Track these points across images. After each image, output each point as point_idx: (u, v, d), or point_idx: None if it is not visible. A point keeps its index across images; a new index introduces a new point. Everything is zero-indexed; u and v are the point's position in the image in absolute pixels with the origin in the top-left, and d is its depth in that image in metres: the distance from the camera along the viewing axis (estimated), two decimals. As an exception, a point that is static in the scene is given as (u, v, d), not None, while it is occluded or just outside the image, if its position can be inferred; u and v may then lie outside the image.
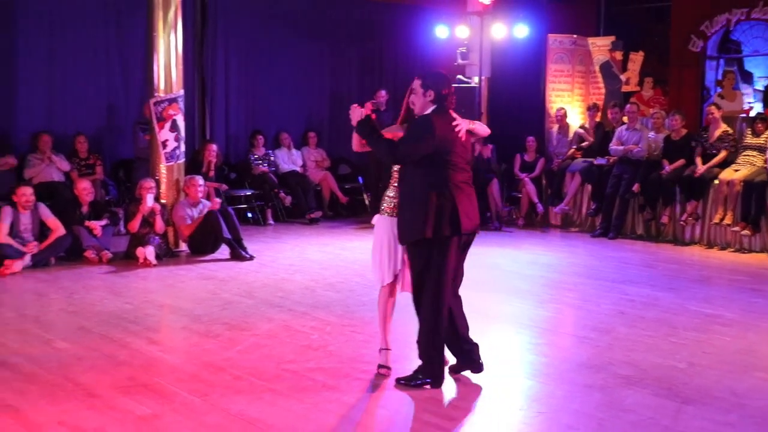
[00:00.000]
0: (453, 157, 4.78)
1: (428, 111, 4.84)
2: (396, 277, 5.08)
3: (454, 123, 4.86)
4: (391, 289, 5.12)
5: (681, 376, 5.17)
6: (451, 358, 5.12)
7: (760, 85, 14.21)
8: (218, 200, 9.46)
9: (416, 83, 4.90)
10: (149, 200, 8.91)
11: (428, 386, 4.87)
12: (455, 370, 5.09)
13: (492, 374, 5.18)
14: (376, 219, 5.18)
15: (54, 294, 7.33)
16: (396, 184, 5.03)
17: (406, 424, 4.39)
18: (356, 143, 5.10)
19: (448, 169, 4.76)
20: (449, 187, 4.75)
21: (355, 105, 4.92)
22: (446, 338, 4.95)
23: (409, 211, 4.81)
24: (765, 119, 10.30)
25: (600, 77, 13.02)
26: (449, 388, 4.98)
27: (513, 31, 12.52)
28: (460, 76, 12.31)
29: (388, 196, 5.08)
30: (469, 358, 5.07)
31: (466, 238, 4.92)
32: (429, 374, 4.89)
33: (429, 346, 4.89)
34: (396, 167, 5.02)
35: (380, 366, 5.14)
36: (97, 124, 11.28)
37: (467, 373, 5.15)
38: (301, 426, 4.29)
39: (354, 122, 4.89)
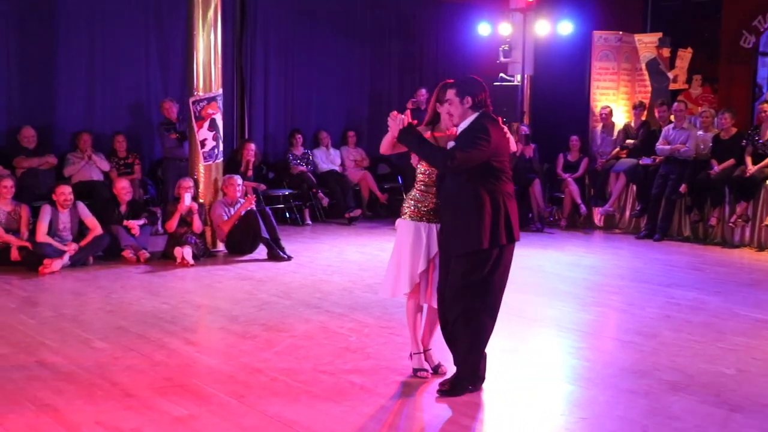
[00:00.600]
0: (503, 166, 4.77)
1: (471, 118, 4.78)
2: (416, 286, 5.01)
3: (504, 130, 4.86)
4: (419, 301, 5.09)
5: (729, 383, 5.09)
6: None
7: (814, 83, 13.95)
8: (252, 197, 9.51)
9: (450, 93, 4.82)
10: (187, 199, 9.00)
11: (470, 390, 4.85)
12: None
13: (532, 378, 5.15)
14: (399, 223, 5.09)
15: (92, 293, 7.43)
16: (421, 187, 5.01)
17: (444, 428, 4.38)
18: (386, 146, 5.06)
19: (500, 177, 4.74)
20: (502, 195, 4.73)
21: (395, 112, 4.86)
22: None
23: (461, 221, 4.72)
24: (819, 118, 10.13)
25: (646, 75, 12.89)
26: (488, 392, 4.96)
27: (557, 28, 12.45)
28: (502, 75, 12.28)
29: (413, 199, 5.04)
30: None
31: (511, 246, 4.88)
32: (471, 380, 4.87)
33: (475, 354, 4.85)
34: (422, 170, 5.01)
35: (417, 370, 5.13)
36: (136, 123, 11.39)
37: (508, 378, 5.14)
38: (338, 429, 4.29)
39: (395, 132, 4.82)
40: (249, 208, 9.22)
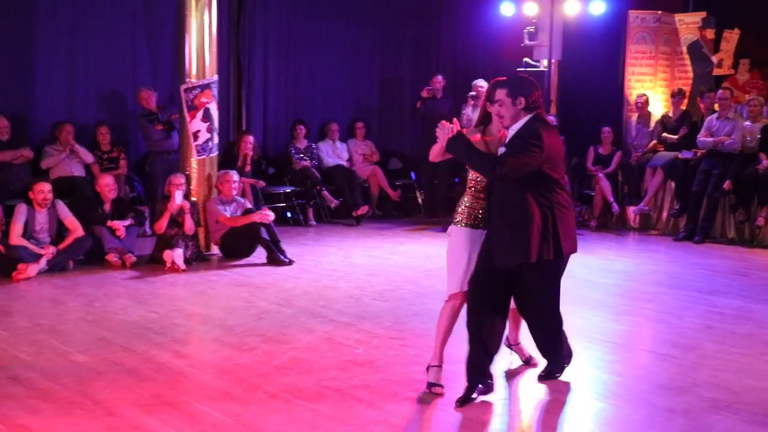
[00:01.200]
0: (557, 174, 4.88)
1: (523, 120, 4.87)
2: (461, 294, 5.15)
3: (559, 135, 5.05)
4: (460, 303, 5.18)
5: (777, 401, 5.08)
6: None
7: None
8: (270, 214, 9.32)
9: (501, 93, 4.91)
10: (178, 198, 9.02)
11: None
12: (464, 398, 4.97)
13: (559, 394, 5.16)
14: (452, 230, 5.23)
15: (72, 301, 7.45)
16: (473, 193, 5.14)
17: (460, 450, 4.39)
18: (436, 154, 5.19)
19: (552, 187, 4.85)
20: (552, 206, 4.84)
21: (443, 122, 4.98)
22: (474, 357, 5.01)
23: (508, 232, 4.87)
24: None
25: (687, 59, 12.86)
26: (511, 408, 4.97)
27: (588, 8, 12.45)
28: (527, 60, 12.28)
29: (466, 206, 5.17)
30: (487, 384, 5.08)
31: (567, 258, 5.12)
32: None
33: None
34: (473, 175, 5.13)
35: (432, 384, 5.15)
36: (122, 113, 11.37)
37: (533, 394, 5.16)
38: (342, 450, 4.31)
39: (443, 142, 4.94)
40: (259, 221, 9.19)
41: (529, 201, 4.80)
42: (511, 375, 5.53)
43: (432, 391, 5.12)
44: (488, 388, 5.05)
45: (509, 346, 5.71)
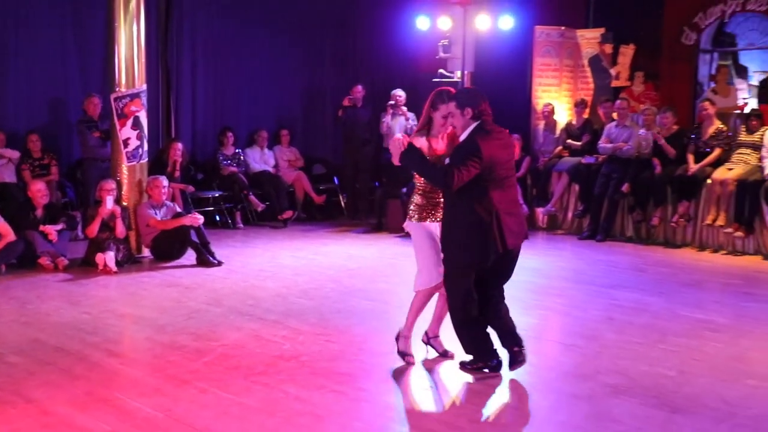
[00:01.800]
0: (499, 176, 5.06)
1: (470, 129, 5.09)
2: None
3: (502, 138, 5.16)
4: (432, 292, 5.50)
5: (671, 385, 5.22)
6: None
7: (755, 80, 14.34)
8: (199, 217, 9.30)
9: (451, 106, 5.18)
10: (109, 203, 8.87)
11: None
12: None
13: (473, 383, 5.22)
14: (409, 226, 5.53)
15: (5, 304, 7.28)
16: (421, 193, 5.40)
17: (381, 438, 4.42)
18: (396, 162, 5.35)
19: (494, 188, 5.05)
20: (494, 207, 5.03)
21: (396, 137, 5.17)
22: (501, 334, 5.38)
23: (456, 233, 5.13)
24: (760, 115, 10.43)
25: (589, 72, 13.11)
26: (426, 396, 5.01)
27: (498, 23, 12.58)
28: (441, 71, 12.36)
29: (417, 204, 5.46)
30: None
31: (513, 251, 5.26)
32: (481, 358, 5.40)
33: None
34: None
35: (404, 354, 5.54)
36: (52, 121, 11.17)
37: (447, 383, 5.23)
38: (270, 441, 4.30)
39: (397, 157, 5.15)
40: (189, 224, 9.10)
41: (472, 206, 5.04)
42: (429, 365, 5.57)
43: (406, 360, 5.49)
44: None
45: (427, 339, 5.76)
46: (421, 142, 5.27)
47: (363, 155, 12.55)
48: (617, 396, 5.01)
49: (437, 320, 5.73)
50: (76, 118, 10.78)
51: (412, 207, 5.51)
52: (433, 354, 5.72)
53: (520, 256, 5.37)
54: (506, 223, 5.04)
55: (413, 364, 5.50)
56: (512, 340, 5.36)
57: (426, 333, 5.76)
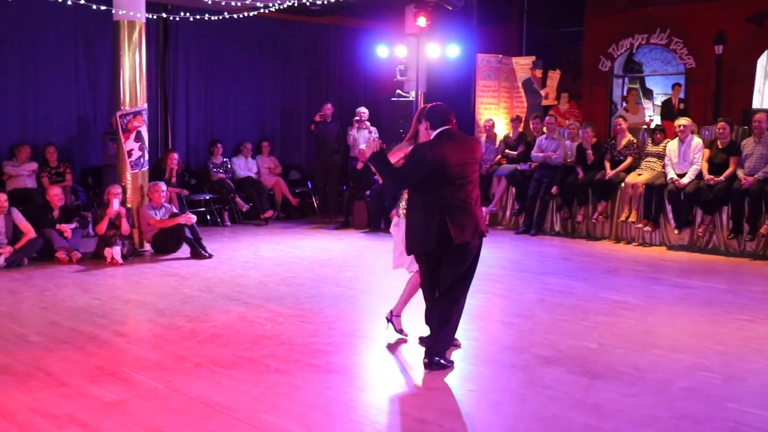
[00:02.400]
0: (452, 175, 4.83)
1: (432, 136, 4.93)
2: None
3: (461, 143, 4.94)
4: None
5: (592, 355, 5.27)
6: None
7: (658, 101, 14.57)
8: (193, 217, 9.20)
9: (421, 119, 5.09)
10: (115, 204, 8.77)
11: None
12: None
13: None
14: (398, 222, 5.49)
15: (27, 292, 7.17)
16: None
17: (348, 404, 4.41)
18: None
19: (442, 188, 4.84)
20: (440, 204, 4.83)
21: (372, 140, 5.02)
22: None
23: (410, 221, 4.99)
24: (663, 130, 10.54)
25: (522, 92, 13.20)
26: (386, 369, 5.02)
27: (446, 51, 12.62)
28: (399, 91, 12.37)
29: (403, 202, 5.46)
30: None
31: (461, 246, 4.90)
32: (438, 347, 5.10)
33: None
34: None
35: (401, 331, 5.58)
36: (67, 134, 11.10)
37: (406, 358, 5.24)
38: (256, 407, 4.27)
39: (368, 154, 4.98)
40: (184, 223, 9.01)
41: (419, 199, 4.90)
42: (390, 343, 5.58)
43: (403, 335, 5.57)
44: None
45: (390, 317, 5.66)
46: (406, 150, 5.12)
47: (332, 163, 12.51)
48: (548, 366, 5.05)
49: (403, 301, 5.60)
50: (97, 131, 10.79)
51: (401, 204, 5.46)
52: (392, 331, 5.65)
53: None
54: (452, 219, 4.82)
55: (406, 339, 5.53)
56: (428, 337, 5.17)
57: (390, 310, 5.68)
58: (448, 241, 4.82)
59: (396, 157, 5.12)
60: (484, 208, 11.90)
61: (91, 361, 5.05)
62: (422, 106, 5.42)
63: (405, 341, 5.56)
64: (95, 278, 7.82)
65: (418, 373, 4.92)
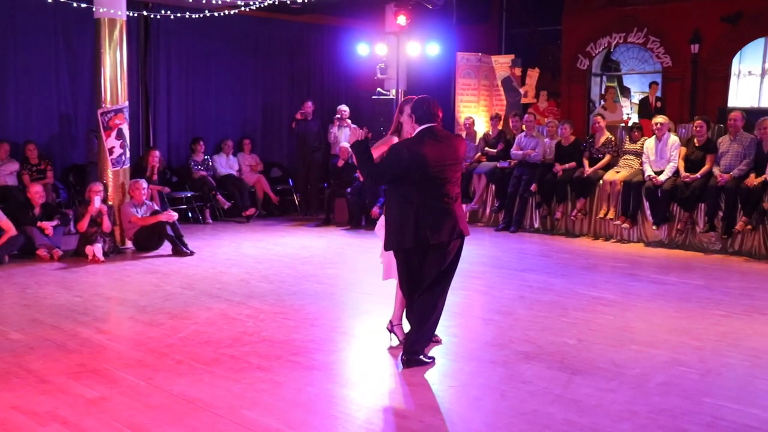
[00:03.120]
0: (430, 173, 4.74)
1: (417, 131, 4.84)
2: None
3: (443, 141, 4.83)
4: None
5: (571, 351, 5.29)
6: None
7: (636, 99, 14.67)
8: (174, 214, 9.12)
9: (406, 110, 4.99)
10: (97, 202, 8.70)
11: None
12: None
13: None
14: (381, 222, 5.28)
15: (8, 289, 7.09)
16: None
17: (329, 400, 4.40)
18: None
19: (419, 187, 4.76)
20: (416, 204, 4.75)
21: (360, 129, 4.99)
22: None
23: (388, 217, 4.92)
24: (640, 128, 10.60)
25: (502, 90, 13.24)
26: (368, 365, 5.02)
27: (426, 49, 12.63)
28: (379, 89, 12.38)
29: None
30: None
31: (438, 246, 4.83)
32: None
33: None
34: None
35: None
36: (48, 132, 11.00)
37: (387, 353, 5.24)
38: (237, 404, 4.26)
39: (352, 140, 4.93)
40: (165, 220, 8.95)
41: (396, 196, 4.83)
42: (378, 341, 5.58)
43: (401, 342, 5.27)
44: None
45: (391, 327, 5.44)
46: (391, 141, 5.08)
47: (313, 160, 12.49)
48: (528, 361, 5.07)
49: (399, 308, 5.38)
50: (79, 129, 10.69)
51: None
52: (396, 341, 5.37)
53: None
54: (428, 219, 4.74)
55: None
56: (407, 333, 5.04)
57: (390, 321, 5.46)
58: (424, 241, 4.76)
59: (379, 150, 5.00)
60: (464, 206, 12.04)
61: (72, 359, 5.01)
62: (407, 97, 5.27)
63: (381, 336, 5.56)
64: (76, 276, 7.75)
65: (400, 369, 4.92)
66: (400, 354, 5.01)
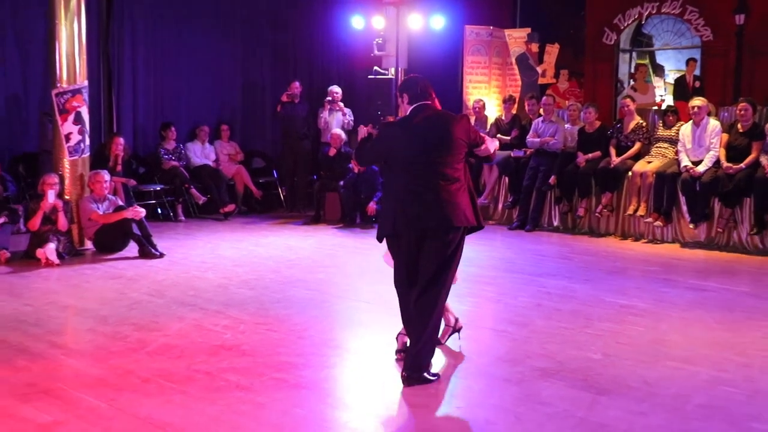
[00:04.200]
0: (406, 160, 4.92)
1: (407, 112, 5.06)
2: None
3: (423, 123, 4.95)
4: None
5: (596, 367, 5.27)
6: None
7: (671, 78, 14.64)
8: (141, 211, 9.14)
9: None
10: (50, 197, 8.66)
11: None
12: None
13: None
14: None
15: (-52, 297, 7.07)
16: None
17: (320, 424, 4.37)
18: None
19: (401, 171, 4.96)
20: (398, 188, 4.95)
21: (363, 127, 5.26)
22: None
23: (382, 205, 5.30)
24: (676, 112, 10.61)
25: (516, 69, 13.23)
26: (362, 382, 4.99)
27: (430, 22, 12.61)
28: (376, 68, 12.36)
29: None
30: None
31: (434, 235, 4.92)
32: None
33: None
34: None
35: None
36: (-9, 116, 10.93)
37: (385, 369, 5.21)
38: (213, 429, 4.23)
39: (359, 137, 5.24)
40: (131, 217, 8.95)
41: (386, 182, 5.16)
42: (364, 354, 5.55)
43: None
44: None
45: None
46: None
47: (301, 149, 12.48)
48: (546, 379, 5.05)
49: None
50: (30, 112, 10.59)
51: None
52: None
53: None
54: (406, 205, 4.89)
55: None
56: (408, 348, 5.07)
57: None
58: (406, 227, 4.90)
59: None
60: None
61: (21, 377, 4.96)
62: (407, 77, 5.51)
63: (381, 351, 5.53)
64: (27, 281, 7.71)
65: (400, 388, 4.89)
66: (401, 371, 4.99)
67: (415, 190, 4.89)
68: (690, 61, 13.48)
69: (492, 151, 5.21)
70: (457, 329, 5.74)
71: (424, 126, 4.92)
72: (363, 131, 5.18)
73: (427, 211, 4.87)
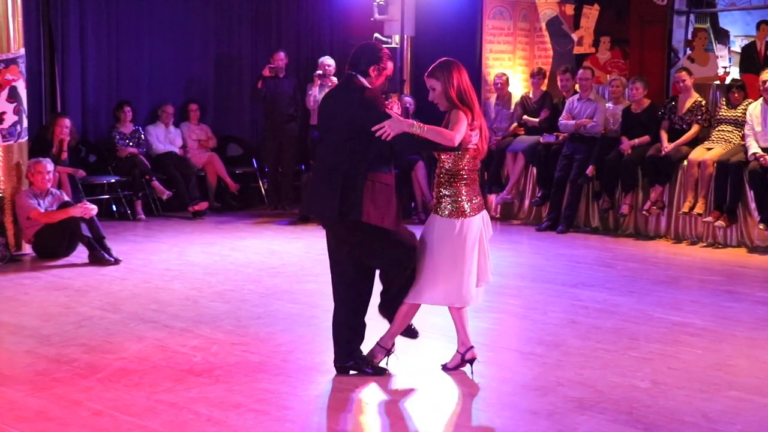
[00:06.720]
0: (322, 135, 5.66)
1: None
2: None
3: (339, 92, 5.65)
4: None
5: (644, 398, 5.28)
6: None
7: (737, 46, 14.60)
8: (92, 208, 9.18)
9: (430, 81, 5.77)
10: (-20, 191, 8.72)
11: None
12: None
13: (418, 398, 5.22)
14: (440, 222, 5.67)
15: None
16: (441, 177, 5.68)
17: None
18: None
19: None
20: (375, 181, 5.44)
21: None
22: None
23: None
24: (743, 87, 10.58)
25: (547, 37, 13.20)
26: (365, 412, 5.00)
27: (441, -20, 12.60)
28: (377, 35, 12.34)
29: (446, 195, 5.62)
30: None
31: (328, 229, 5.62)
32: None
33: None
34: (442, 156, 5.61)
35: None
36: None
37: (388, 397, 5.21)
38: (178, 471, 4.25)
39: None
40: (79, 216, 8.99)
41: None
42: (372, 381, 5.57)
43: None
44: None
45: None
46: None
47: (286, 134, 12.47)
48: (583, 412, 5.06)
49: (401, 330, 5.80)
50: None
51: (444, 201, 5.64)
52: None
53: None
54: (308, 186, 5.77)
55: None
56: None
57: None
58: (303, 215, 5.61)
59: (459, 129, 5.39)
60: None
61: (-53, 409, 4.99)
62: (443, 60, 5.90)
63: (390, 373, 5.61)
64: (-46, 293, 7.76)
65: (403, 419, 4.90)
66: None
67: (314, 172, 5.81)
68: (762, 25, 13.41)
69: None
70: (392, 352, 5.78)
71: (335, 97, 5.67)
72: (396, 104, 5.41)
73: (318, 197, 5.52)
